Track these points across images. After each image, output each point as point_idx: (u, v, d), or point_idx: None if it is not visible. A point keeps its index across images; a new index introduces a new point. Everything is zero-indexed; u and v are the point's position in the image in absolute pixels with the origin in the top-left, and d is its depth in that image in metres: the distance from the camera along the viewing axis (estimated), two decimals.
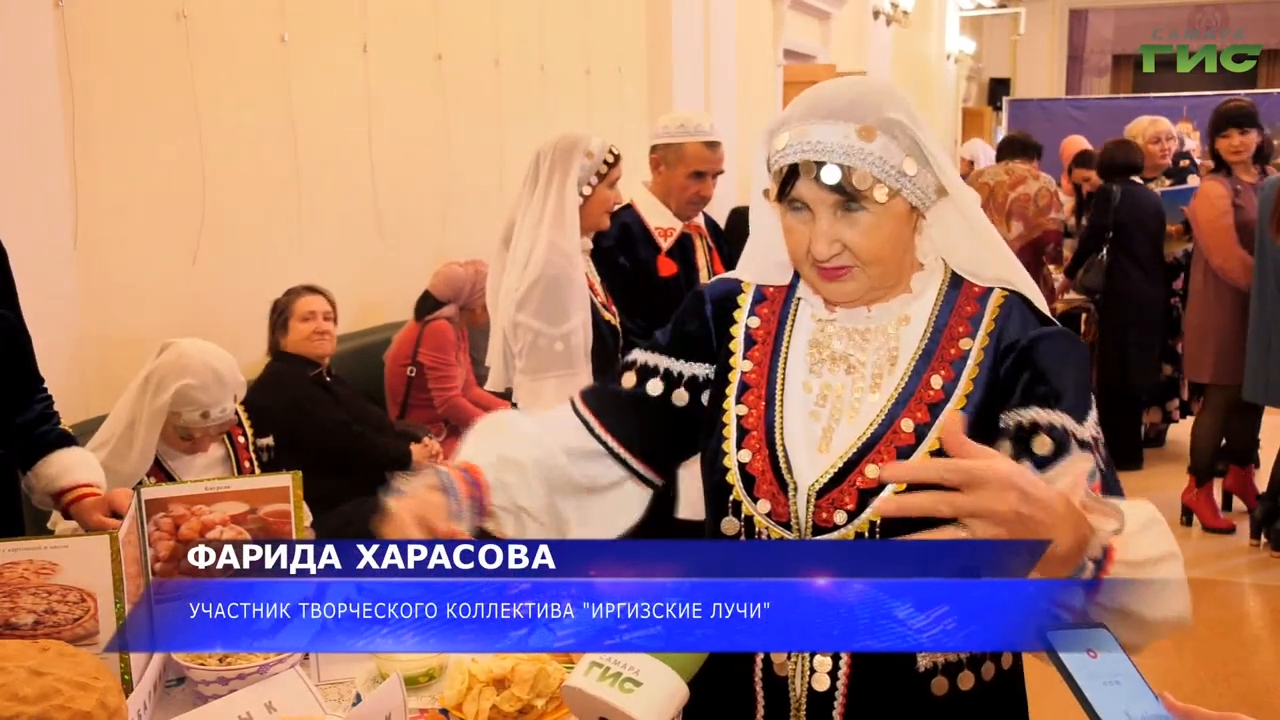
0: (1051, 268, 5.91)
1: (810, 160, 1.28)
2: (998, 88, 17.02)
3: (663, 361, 1.48)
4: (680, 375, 1.47)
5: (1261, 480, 4.94)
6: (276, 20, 3.99)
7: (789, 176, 1.31)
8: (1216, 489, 5.09)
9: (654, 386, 1.47)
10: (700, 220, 3.56)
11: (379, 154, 4.53)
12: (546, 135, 2.87)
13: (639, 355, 1.50)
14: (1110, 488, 1.28)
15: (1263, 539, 4.72)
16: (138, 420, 2.60)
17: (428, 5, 4.84)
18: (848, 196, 1.28)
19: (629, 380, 1.48)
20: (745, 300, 1.47)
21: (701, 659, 1.20)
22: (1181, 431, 5.35)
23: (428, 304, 4.22)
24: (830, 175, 1.27)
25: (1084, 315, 6.28)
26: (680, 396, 1.46)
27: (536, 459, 1.42)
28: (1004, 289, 1.38)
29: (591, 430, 1.47)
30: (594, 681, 1.15)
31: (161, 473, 2.69)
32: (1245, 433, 5.14)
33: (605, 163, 2.85)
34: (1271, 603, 4.33)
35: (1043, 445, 1.25)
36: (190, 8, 3.59)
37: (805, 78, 9.52)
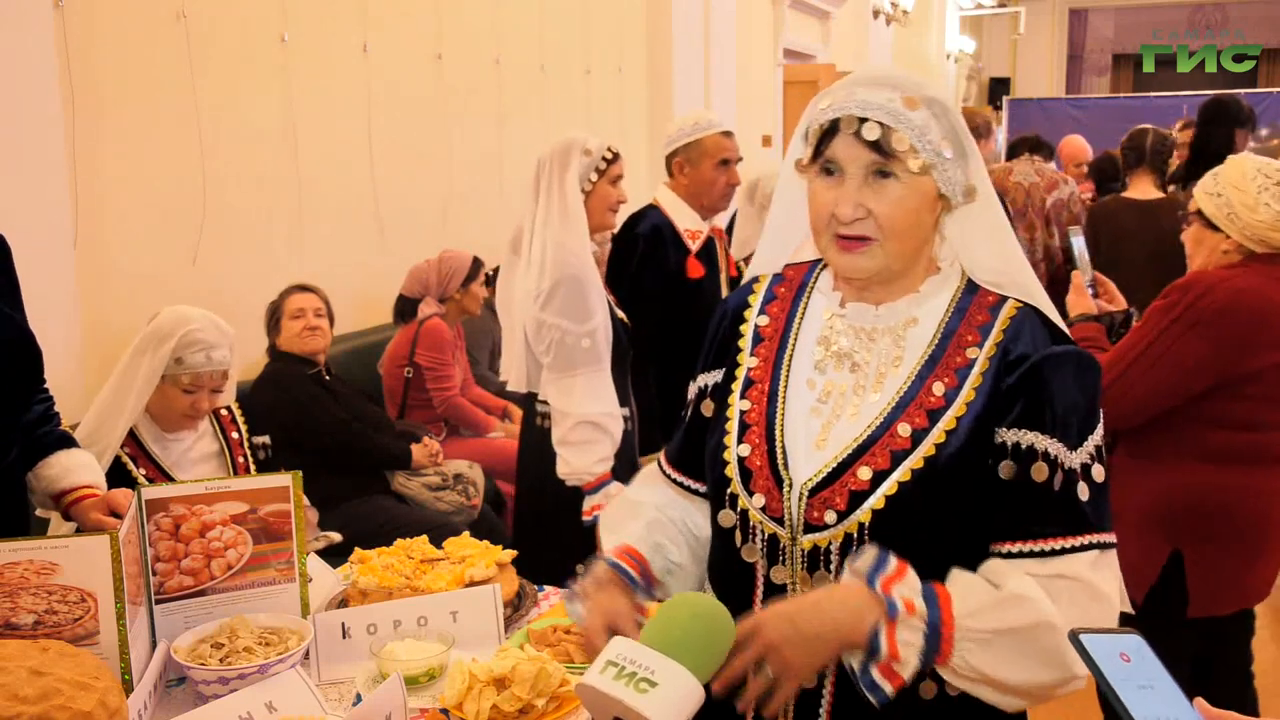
0: None
1: (853, 115, 1.29)
2: (998, 87, 17.04)
3: (704, 379, 1.51)
4: (707, 387, 1.50)
5: None
6: (276, 20, 3.99)
7: (826, 135, 1.32)
8: None
9: (707, 408, 1.49)
10: (720, 222, 3.60)
11: (379, 154, 4.53)
12: (546, 135, 2.90)
13: (693, 384, 1.54)
14: (1099, 505, 1.30)
15: None
16: (129, 387, 2.55)
17: (428, 5, 4.84)
18: (883, 157, 1.29)
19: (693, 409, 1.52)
20: (756, 300, 1.50)
21: (719, 661, 1.20)
22: None
23: (402, 305, 4.25)
24: (871, 131, 1.28)
25: None
26: (707, 407, 1.49)
27: (671, 517, 1.53)
28: (1018, 301, 1.37)
29: (687, 488, 1.54)
30: (609, 680, 1.13)
31: (153, 466, 2.68)
32: None
33: (604, 159, 2.89)
34: (1271, 603, 4.32)
35: (1040, 473, 1.28)
36: (190, 8, 3.59)
37: (805, 77, 9.51)
